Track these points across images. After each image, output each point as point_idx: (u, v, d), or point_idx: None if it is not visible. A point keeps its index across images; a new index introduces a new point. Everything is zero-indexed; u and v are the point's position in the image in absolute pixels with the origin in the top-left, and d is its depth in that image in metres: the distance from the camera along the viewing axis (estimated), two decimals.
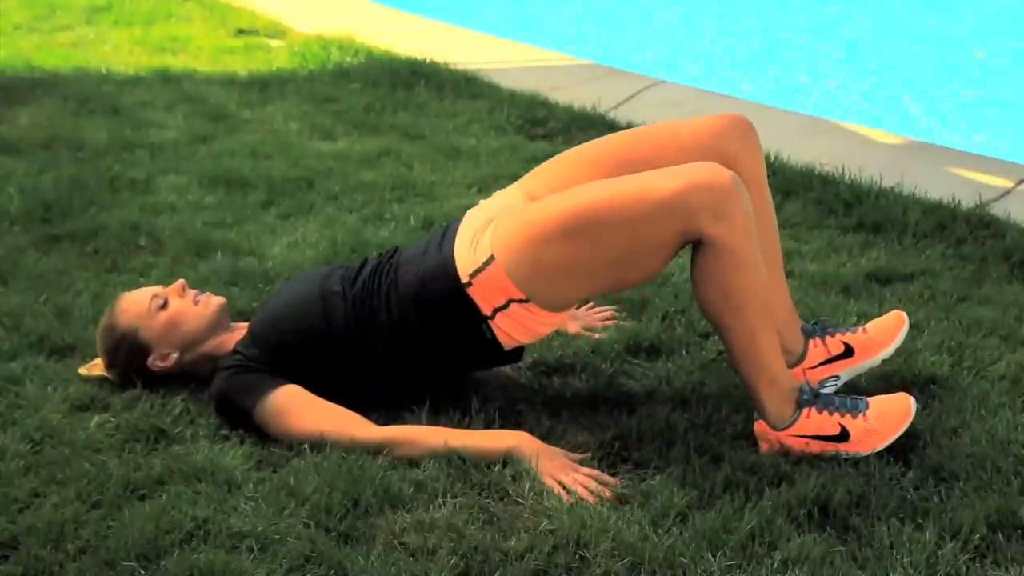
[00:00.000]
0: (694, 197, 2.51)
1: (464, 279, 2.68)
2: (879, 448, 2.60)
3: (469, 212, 2.84)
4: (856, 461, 2.58)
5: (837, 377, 2.88)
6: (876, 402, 2.64)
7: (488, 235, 2.69)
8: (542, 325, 2.74)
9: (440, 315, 2.72)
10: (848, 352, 2.89)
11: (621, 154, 2.79)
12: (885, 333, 2.90)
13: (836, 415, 2.61)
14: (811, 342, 2.90)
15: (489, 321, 2.70)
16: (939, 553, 2.28)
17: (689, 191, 2.51)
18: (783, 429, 2.62)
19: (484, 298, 2.68)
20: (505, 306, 2.68)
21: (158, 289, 3.01)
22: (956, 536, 2.33)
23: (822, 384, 2.85)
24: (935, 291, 3.44)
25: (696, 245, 2.56)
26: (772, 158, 4.50)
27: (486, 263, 2.66)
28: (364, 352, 2.78)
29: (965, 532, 2.34)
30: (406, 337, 2.75)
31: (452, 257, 2.70)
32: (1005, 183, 4.39)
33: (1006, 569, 2.28)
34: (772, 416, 2.63)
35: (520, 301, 2.67)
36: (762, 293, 2.59)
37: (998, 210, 4.01)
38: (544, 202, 2.69)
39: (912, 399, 2.64)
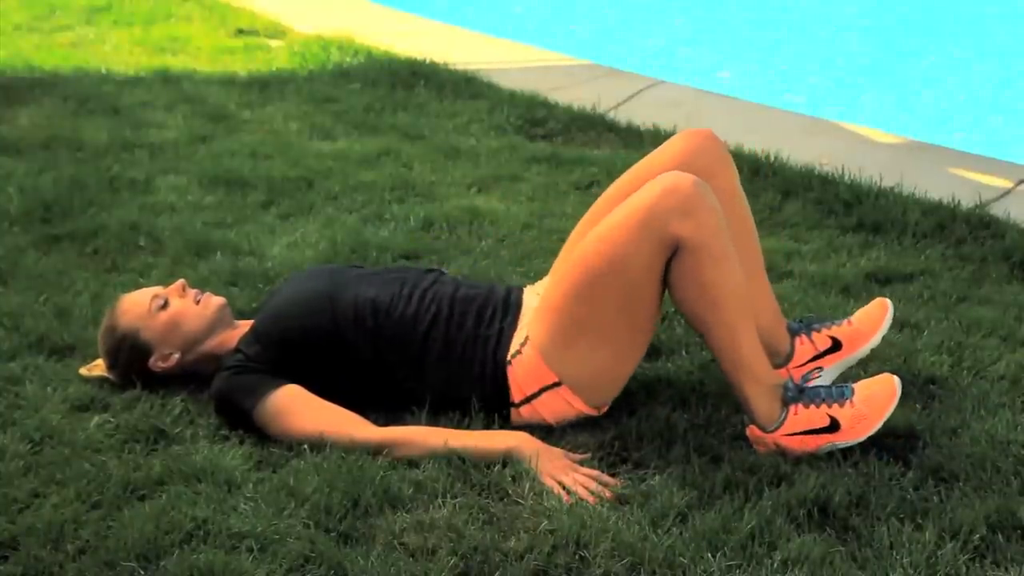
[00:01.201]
0: (661, 204, 2.58)
1: (508, 357, 2.74)
2: (872, 432, 2.60)
3: (527, 288, 2.92)
4: (856, 462, 2.58)
5: (821, 369, 2.89)
6: (861, 387, 2.65)
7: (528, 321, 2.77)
8: (556, 416, 2.75)
9: (470, 380, 2.76)
10: (836, 346, 2.90)
11: (614, 204, 2.81)
12: (870, 322, 2.91)
13: (823, 406, 2.62)
14: (797, 340, 2.92)
15: (512, 408, 2.75)
16: (939, 553, 2.28)
17: (656, 201, 2.59)
18: (774, 431, 2.63)
19: (517, 383, 2.74)
20: (536, 395, 2.73)
21: (158, 290, 3.01)
22: (956, 536, 2.33)
23: (805, 378, 2.86)
24: (935, 291, 3.45)
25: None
26: (772, 158, 4.50)
27: (523, 343, 2.73)
28: (374, 361, 2.79)
29: (965, 532, 2.34)
30: (429, 371, 2.78)
31: (508, 335, 2.76)
32: (1005, 183, 4.40)
33: (1006, 569, 2.28)
34: (761, 418, 2.64)
35: (552, 386, 2.72)
36: (738, 289, 2.62)
37: (998, 210, 4.01)
38: (556, 275, 2.78)
39: (896, 378, 2.64)
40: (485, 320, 2.80)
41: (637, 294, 2.66)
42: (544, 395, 2.73)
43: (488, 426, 2.74)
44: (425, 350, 2.78)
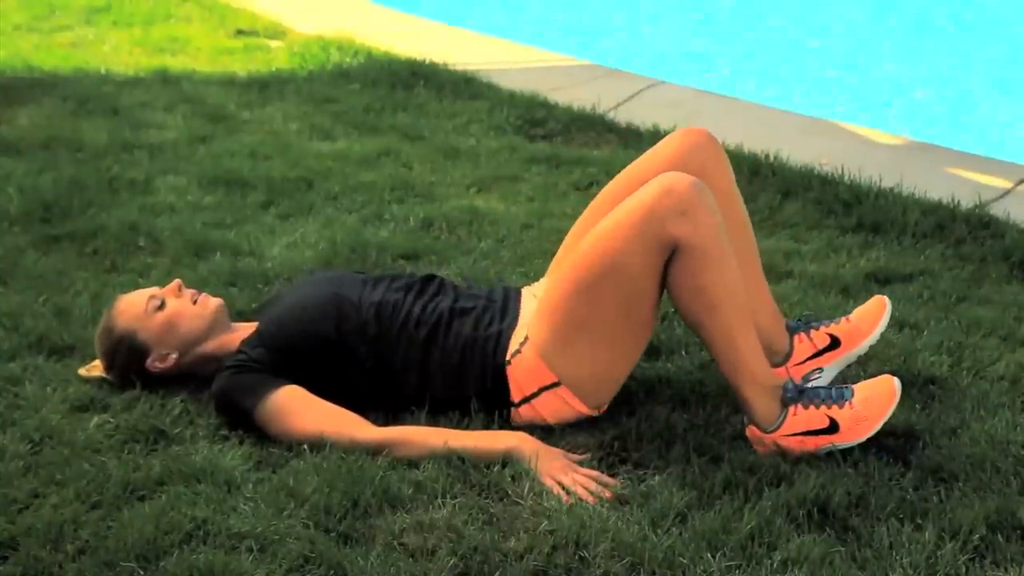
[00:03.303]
0: (659, 205, 2.58)
1: (507, 357, 2.74)
2: (871, 433, 2.60)
3: (525, 290, 2.93)
4: (855, 462, 2.58)
5: (820, 369, 2.89)
6: (860, 388, 2.65)
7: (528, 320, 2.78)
8: (556, 416, 2.75)
9: (470, 381, 2.76)
10: (835, 343, 2.90)
11: (612, 202, 2.81)
12: (869, 319, 2.92)
13: (823, 408, 2.62)
14: (796, 338, 2.92)
15: (512, 408, 2.75)
16: (938, 553, 2.28)
17: (654, 202, 2.59)
18: (774, 431, 2.63)
19: (517, 383, 2.74)
20: (535, 395, 2.74)
21: (155, 290, 3.00)
22: (956, 536, 2.33)
23: (806, 379, 2.86)
24: (935, 291, 3.45)
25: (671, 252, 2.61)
26: (771, 158, 4.51)
27: (522, 343, 2.74)
28: (377, 366, 2.79)
29: (964, 532, 2.34)
30: (431, 376, 2.79)
31: (507, 336, 2.77)
32: (1004, 183, 4.40)
33: (1005, 569, 2.28)
34: (760, 418, 2.64)
35: (551, 386, 2.72)
36: (736, 291, 2.62)
37: (997, 210, 4.01)
38: (555, 274, 2.79)
39: (896, 379, 2.64)
40: (483, 324, 2.80)
41: (636, 294, 2.66)
42: (543, 395, 2.73)
43: (488, 426, 2.74)
44: (427, 356, 2.78)
